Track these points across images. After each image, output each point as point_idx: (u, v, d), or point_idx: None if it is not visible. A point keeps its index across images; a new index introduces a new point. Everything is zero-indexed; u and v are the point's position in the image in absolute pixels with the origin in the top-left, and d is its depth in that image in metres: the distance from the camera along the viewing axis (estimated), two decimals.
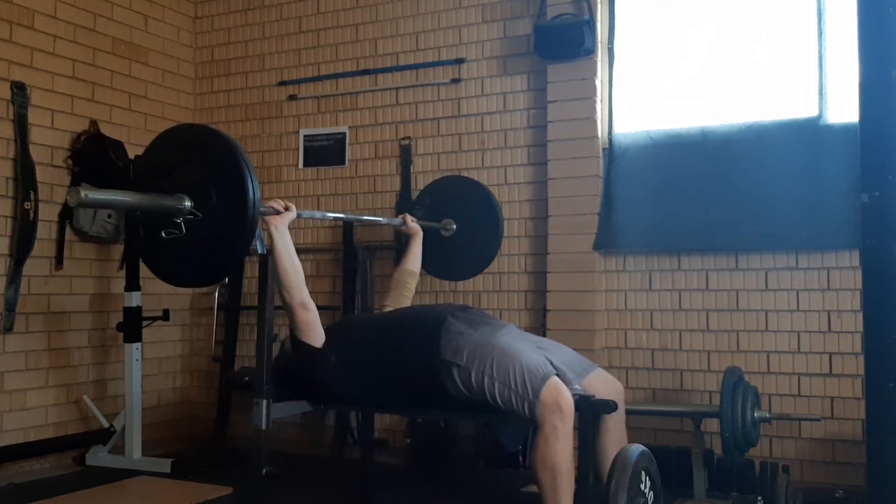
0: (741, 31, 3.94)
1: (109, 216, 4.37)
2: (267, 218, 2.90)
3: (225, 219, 2.65)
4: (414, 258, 3.74)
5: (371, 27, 4.72)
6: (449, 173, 4.44)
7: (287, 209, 2.97)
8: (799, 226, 3.67)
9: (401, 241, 4.18)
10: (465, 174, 4.40)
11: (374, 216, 4.59)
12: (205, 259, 2.75)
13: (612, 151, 4.06)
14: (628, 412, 3.18)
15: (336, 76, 4.80)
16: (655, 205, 3.97)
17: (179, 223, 2.64)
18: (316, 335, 3.01)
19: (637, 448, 2.63)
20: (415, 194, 4.50)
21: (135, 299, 4.25)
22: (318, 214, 3.84)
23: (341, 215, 4.16)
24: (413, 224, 3.79)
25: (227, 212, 2.65)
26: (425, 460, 4.27)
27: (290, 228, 2.98)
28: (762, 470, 3.65)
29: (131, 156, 4.41)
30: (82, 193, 2.41)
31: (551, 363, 2.86)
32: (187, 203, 2.65)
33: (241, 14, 5.11)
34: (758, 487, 3.61)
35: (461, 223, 4.00)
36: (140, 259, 2.89)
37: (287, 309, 3.00)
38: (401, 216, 3.84)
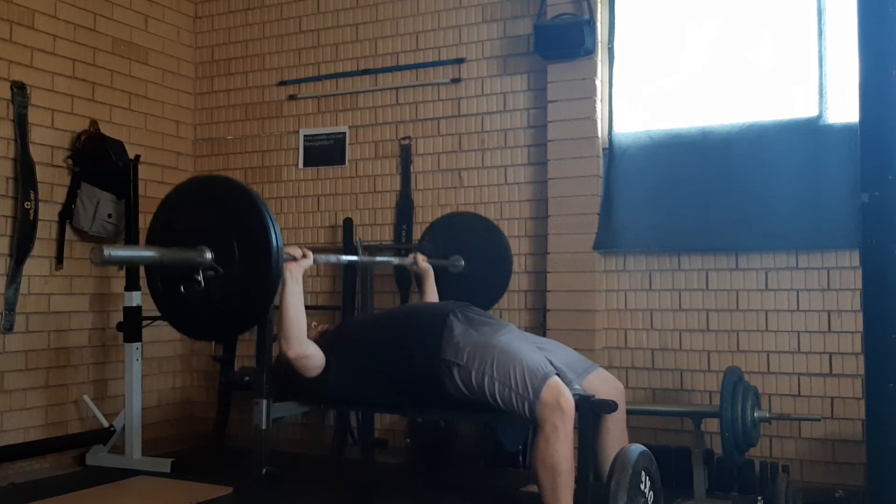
0: (741, 31, 3.94)
1: (109, 216, 4.37)
2: (283, 264, 2.75)
3: (248, 272, 2.55)
4: (429, 298, 3.69)
5: (371, 27, 4.72)
6: (449, 173, 4.45)
7: (304, 256, 2.89)
8: (799, 226, 3.67)
9: (405, 280, 4.29)
10: (464, 174, 4.40)
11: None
12: (228, 313, 2.62)
13: (612, 151, 4.06)
14: (628, 412, 3.19)
15: (336, 76, 4.80)
16: (655, 205, 3.97)
17: (199, 278, 2.55)
18: (317, 368, 2.95)
19: (637, 448, 2.63)
20: (415, 194, 4.51)
21: (135, 299, 4.24)
22: (332, 259, 3.70)
23: (354, 258, 4.04)
24: (424, 263, 3.74)
25: (249, 264, 2.55)
26: (425, 460, 4.28)
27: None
28: (762, 470, 3.65)
29: (131, 155, 4.41)
30: (106, 252, 2.33)
31: (551, 363, 2.86)
32: (208, 255, 2.56)
33: (241, 14, 5.11)
34: (758, 487, 3.61)
35: (470, 260, 3.97)
36: (162, 315, 2.78)
37: (282, 357, 2.90)
38: (411, 255, 3.80)
